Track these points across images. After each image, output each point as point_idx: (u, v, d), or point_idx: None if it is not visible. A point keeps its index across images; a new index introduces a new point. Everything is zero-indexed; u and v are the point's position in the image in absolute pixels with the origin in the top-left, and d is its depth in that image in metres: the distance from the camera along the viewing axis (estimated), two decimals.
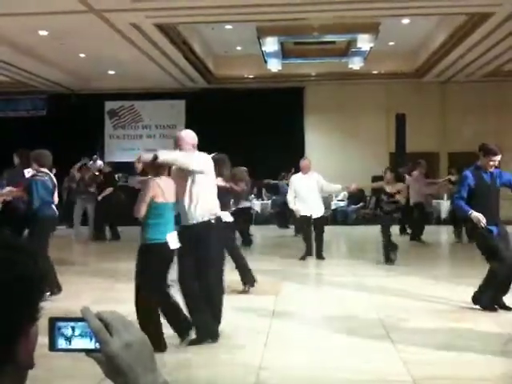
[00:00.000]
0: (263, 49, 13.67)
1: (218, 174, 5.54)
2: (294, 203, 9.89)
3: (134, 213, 4.54)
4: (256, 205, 16.04)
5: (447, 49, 14.00)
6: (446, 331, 5.25)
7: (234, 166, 11.19)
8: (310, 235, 9.91)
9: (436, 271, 8.76)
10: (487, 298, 5.93)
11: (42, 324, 0.93)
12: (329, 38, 13.85)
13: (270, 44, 13.27)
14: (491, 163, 5.93)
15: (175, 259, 4.76)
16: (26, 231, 6.88)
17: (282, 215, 14.99)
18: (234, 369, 4.32)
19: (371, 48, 13.63)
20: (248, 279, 7.02)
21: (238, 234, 11.98)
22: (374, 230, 9.80)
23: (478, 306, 5.96)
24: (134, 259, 4.72)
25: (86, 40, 12.86)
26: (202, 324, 4.85)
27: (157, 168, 4.52)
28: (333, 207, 16.69)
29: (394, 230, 10.48)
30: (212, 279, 4.88)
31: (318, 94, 17.87)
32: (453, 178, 12.30)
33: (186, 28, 13.11)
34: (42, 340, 0.94)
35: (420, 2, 10.65)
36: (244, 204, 11.50)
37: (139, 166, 4.54)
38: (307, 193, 9.75)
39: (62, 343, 0.93)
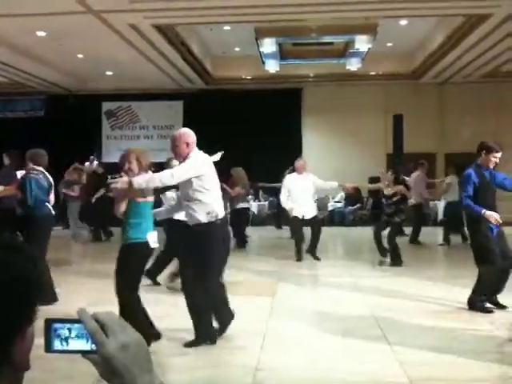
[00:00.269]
0: (261, 50, 13.68)
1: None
2: (287, 203, 9.89)
3: (114, 211, 4.62)
4: (253, 206, 16.05)
5: (445, 50, 14.02)
6: (442, 332, 5.26)
7: (232, 167, 11.28)
8: (301, 238, 9.91)
9: (432, 272, 8.77)
10: (481, 301, 5.98)
11: (38, 325, 0.93)
12: (327, 39, 13.88)
13: (268, 45, 13.28)
14: (493, 160, 5.97)
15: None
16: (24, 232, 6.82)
17: (279, 216, 15.01)
18: (230, 370, 4.32)
19: (369, 49, 13.65)
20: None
21: (232, 235, 12.06)
22: (371, 232, 9.82)
23: (474, 311, 5.99)
24: None
25: (83, 41, 12.86)
26: (202, 326, 4.85)
27: (133, 192, 4.54)
28: (330, 208, 16.72)
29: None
30: (210, 281, 4.88)
31: (316, 95, 17.89)
32: (447, 180, 12.27)
33: (184, 29, 13.12)
34: (38, 341, 0.94)
35: (418, 3, 10.67)
36: (241, 205, 11.52)
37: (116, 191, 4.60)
38: (300, 194, 9.72)
39: (58, 344, 0.94)
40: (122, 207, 4.55)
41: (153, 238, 4.68)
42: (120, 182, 4.48)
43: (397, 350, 4.65)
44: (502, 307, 6.04)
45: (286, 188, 9.95)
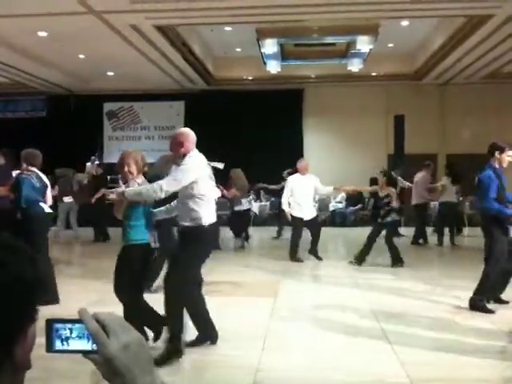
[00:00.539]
0: (262, 50, 13.69)
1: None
2: (287, 204, 9.91)
3: (114, 213, 4.66)
4: (254, 206, 16.04)
5: (446, 51, 14.01)
6: (443, 332, 5.25)
7: (232, 168, 11.28)
8: (298, 240, 9.93)
9: (433, 272, 8.78)
10: (483, 301, 6.00)
11: (39, 325, 0.93)
12: (328, 39, 13.88)
13: (270, 46, 13.29)
14: (507, 158, 6.01)
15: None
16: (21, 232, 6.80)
17: (280, 223, 14.96)
18: (231, 370, 4.32)
19: (370, 50, 13.65)
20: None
21: (232, 235, 12.06)
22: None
23: (475, 311, 5.99)
24: None
25: (85, 41, 12.88)
26: (202, 327, 4.84)
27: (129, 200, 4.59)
28: (331, 209, 16.72)
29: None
30: (183, 283, 4.70)
31: (318, 96, 17.89)
32: (442, 181, 12.23)
33: (186, 29, 13.12)
34: (40, 341, 0.94)
35: (419, 4, 10.67)
36: (241, 207, 11.51)
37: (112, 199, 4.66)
38: (302, 195, 9.78)
39: (59, 344, 0.94)
40: (121, 212, 4.61)
41: (153, 239, 4.69)
42: (115, 193, 4.56)
43: (398, 351, 4.64)
44: (505, 302, 6.17)
45: (288, 188, 9.97)
